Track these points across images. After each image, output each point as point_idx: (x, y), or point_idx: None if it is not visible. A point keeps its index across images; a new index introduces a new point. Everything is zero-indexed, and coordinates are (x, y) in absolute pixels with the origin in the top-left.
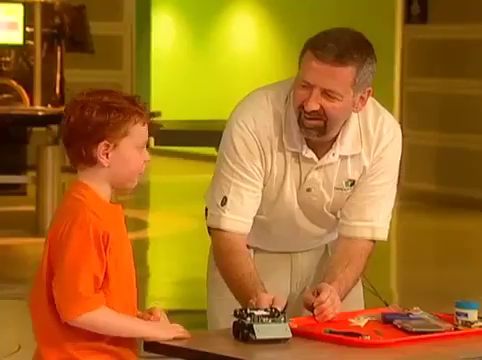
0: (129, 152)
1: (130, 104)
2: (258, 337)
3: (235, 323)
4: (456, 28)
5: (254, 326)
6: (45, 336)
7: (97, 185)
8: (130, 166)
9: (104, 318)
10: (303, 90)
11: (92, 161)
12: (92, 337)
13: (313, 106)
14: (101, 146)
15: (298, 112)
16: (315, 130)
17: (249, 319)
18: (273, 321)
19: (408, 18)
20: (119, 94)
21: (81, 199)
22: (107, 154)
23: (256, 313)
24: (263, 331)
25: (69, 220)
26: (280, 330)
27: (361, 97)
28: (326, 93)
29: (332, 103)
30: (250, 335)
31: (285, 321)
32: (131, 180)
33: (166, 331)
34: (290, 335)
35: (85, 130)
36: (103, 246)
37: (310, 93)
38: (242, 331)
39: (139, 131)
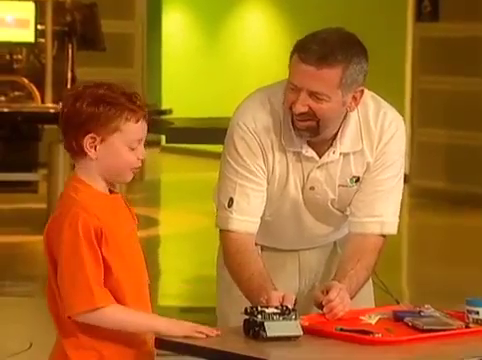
0: (118, 148)
1: (126, 100)
2: (269, 335)
3: (246, 321)
4: (467, 26)
5: (265, 324)
6: (62, 328)
7: (90, 177)
8: (119, 161)
9: (113, 314)
10: (291, 93)
11: (82, 153)
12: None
13: (300, 108)
14: (88, 138)
15: (289, 114)
16: (307, 131)
17: (260, 317)
18: (284, 319)
19: (419, 16)
20: (117, 89)
21: (72, 196)
22: (95, 147)
23: (267, 311)
24: (274, 329)
25: (61, 218)
26: (291, 328)
27: (353, 97)
28: (313, 95)
29: (320, 104)
30: (261, 333)
31: (296, 319)
32: (122, 175)
33: (181, 328)
34: (301, 333)
35: (76, 121)
36: (96, 241)
37: (298, 95)
38: (253, 329)
39: (131, 128)
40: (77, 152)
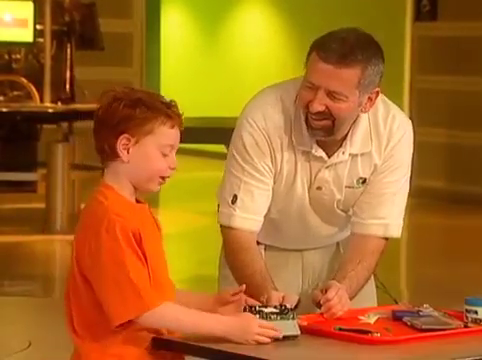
0: (151, 151)
1: (162, 105)
2: None
3: None
4: (466, 25)
5: None
6: (82, 336)
7: (119, 184)
8: (150, 165)
9: (167, 312)
10: (308, 91)
11: (114, 155)
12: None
13: (318, 107)
14: (122, 139)
15: (304, 113)
16: (322, 130)
17: (258, 316)
18: (282, 318)
19: (418, 15)
20: (155, 95)
21: (103, 202)
22: (128, 149)
23: (265, 310)
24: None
25: (95, 224)
26: (289, 327)
27: (369, 98)
28: (331, 94)
29: (337, 104)
30: None
31: (294, 318)
32: (152, 181)
33: (243, 333)
34: (299, 332)
35: (110, 121)
36: (136, 243)
37: (315, 94)
38: None
39: (165, 132)
40: (108, 154)
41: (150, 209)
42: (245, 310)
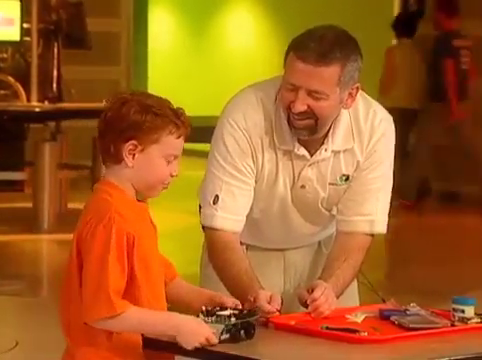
0: (156, 159)
1: (172, 114)
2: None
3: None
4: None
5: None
6: (74, 337)
7: (122, 185)
8: (154, 173)
9: (130, 318)
10: (289, 92)
11: (118, 159)
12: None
13: (300, 108)
14: (129, 145)
15: (287, 113)
16: (305, 130)
17: (234, 319)
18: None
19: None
20: (164, 102)
21: (108, 199)
22: (134, 155)
23: (225, 313)
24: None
25: (95, 219)
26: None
27: (349, 94)
28: (312, 93)
29: (319, 103)
30: (241, 335)
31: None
32: (153, 188)
33: (193, 334)
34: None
35: (119, 126)
36: (127, 248)
37: (296, 95)
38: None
39: (171, 142)
40: (113, 157)
41: (148, 208)
42: (202, 312)
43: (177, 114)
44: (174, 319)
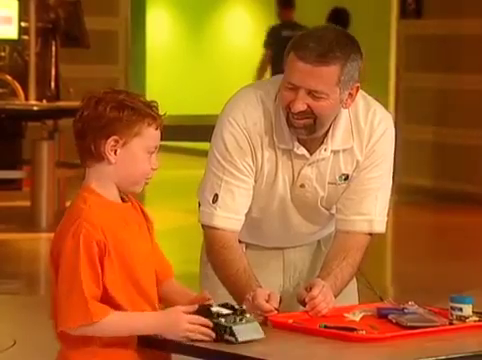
0: (138, 153)
1: (145, 106)
2: (240, 340)
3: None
4: (451, 23)
5: (233, 328)
6: (68, 339)
7: (103, 186)
8: (137, 167)
9: (109, 324)
10: (289, 91)
11: (100, 156)
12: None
13: (299, 107)
14: (110, 141)
15: (286, 113)
16: (304, 129)
17: (224, 321)
18: (247, 321)
19: (403, 13)
20: (135, 96)
21: (81, 206)
22: (115, 151)
23: (223, 311)
24: (243, 334)
25: (65, 227)
26: (247, 332)
27: (349, 94)
28: (312, 93)
29: (319, 103)
30: (229, 338)
31: (248, 321)
32: (136, 183)
33: (172, 329)
34: (260, 335)
35: (97, 124)
36: (98, 255)
37: (296, 94)
38: (219, 332)
39: (151, 134)
40: (94, 156)
41: (138, 204)
42: (198, 311)
43: (150, 106)
44: (154, 318)
